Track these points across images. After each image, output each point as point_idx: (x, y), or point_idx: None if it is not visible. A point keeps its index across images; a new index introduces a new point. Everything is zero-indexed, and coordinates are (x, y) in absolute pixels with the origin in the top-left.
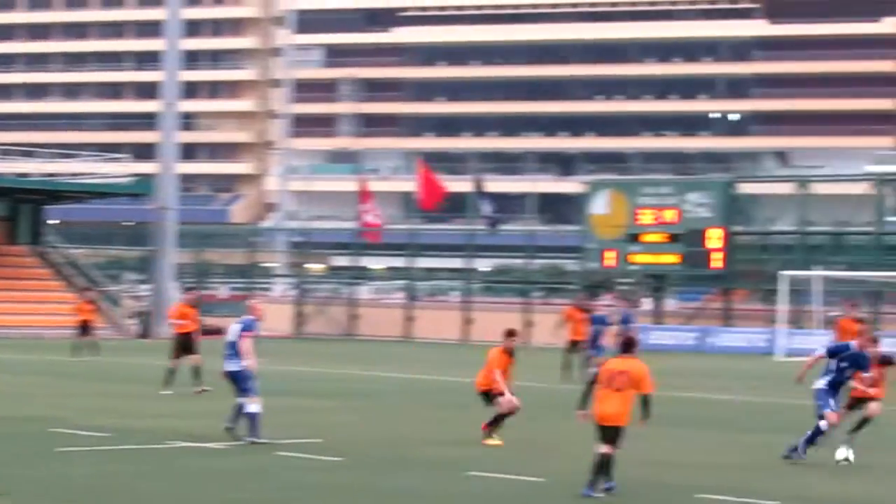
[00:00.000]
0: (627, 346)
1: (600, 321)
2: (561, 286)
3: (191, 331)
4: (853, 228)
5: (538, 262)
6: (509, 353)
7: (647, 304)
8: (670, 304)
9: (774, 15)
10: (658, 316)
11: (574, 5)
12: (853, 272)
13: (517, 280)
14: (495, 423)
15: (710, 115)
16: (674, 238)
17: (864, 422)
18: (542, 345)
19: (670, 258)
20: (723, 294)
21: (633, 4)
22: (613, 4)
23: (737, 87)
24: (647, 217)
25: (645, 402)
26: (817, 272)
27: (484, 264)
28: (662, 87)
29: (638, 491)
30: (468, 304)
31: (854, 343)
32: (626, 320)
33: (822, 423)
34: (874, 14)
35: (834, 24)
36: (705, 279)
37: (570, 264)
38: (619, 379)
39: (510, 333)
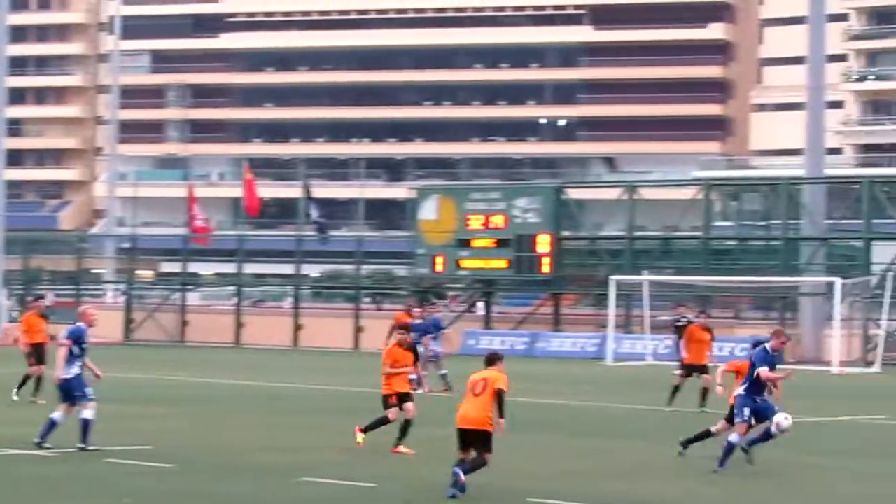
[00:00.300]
0: (491, 360)
1: (420, 329)
2: (391, 292)
3: (42, 342)
4: (681, 233)
5: (368, 268)
6: (404, 347)
7: (478, 309)
8: (502, 309)
9: (600, 21)
10: (488, 321)
11: (402, 11)
12: (681, 276)
13: (347, 286)
14: (403, 432)
15: (539, 121)
16: (503, 243)
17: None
18: (372, 350)
19: (499, 263)
20: (552, 299)
21: (461, 10)
22: (441, 10)
23: (564, 93)
24: (476, 222)
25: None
26: (646, 277)
27: (314, 270)
28: (491, 93)
29: (470, 495)
30: (298, 310)
31: (770, 343)
32: (436, 326)
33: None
34: (701, 20)
35: (660, 31)
36: (535, 284)
37: (399, 270)
38: (478, 385)
39: (403, 327)
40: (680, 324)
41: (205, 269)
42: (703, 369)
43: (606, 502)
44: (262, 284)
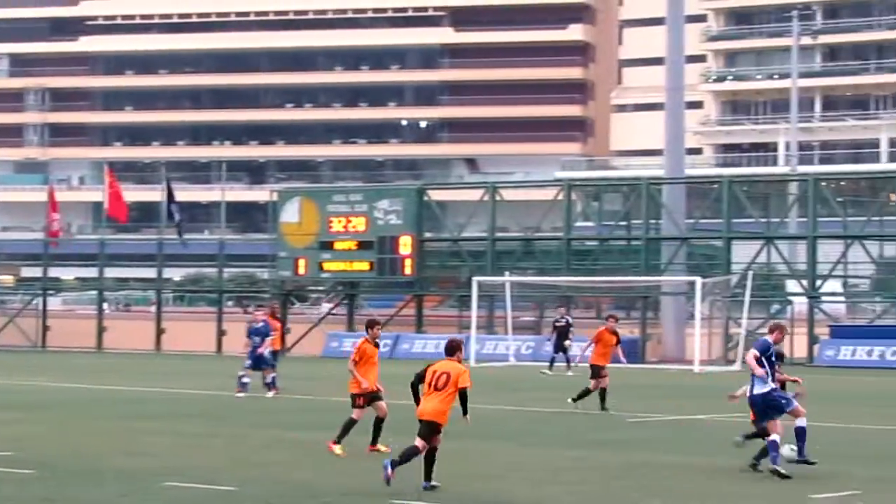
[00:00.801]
0: (451, 349)
1: (257, 333)
2: (253, 294)
3: None
4: (542, 234)
5: (230, 271)
6: (373, 344)
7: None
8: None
9: (460, 23)
10: (351, 323)
11: (262, 14)
12: (543, 277)
13: (209, 289)
14: (376, 431)
15: (400, 123)
16: (365, 245)
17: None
18: (235, 353)
19: (362, 265)
20: (415, 300)
21: (321, 13)
22: (301, 13)
23: (425, 95)
24: (338, 225)
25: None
26: (508, 278)
27: (176, 273)
28: (352, 95)
29: (331, 500)
30: (160, 314)
31: (771, 338)
32: (256, 331)
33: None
34: (560, 22)
35: (520, 32)
36: (397, 286)
37: (262, 273)
38: (440, 379)
39: (371, 324)
40: (560, 323)
41: (66, 273)
42: (602, 371)
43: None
44: (124, 288)
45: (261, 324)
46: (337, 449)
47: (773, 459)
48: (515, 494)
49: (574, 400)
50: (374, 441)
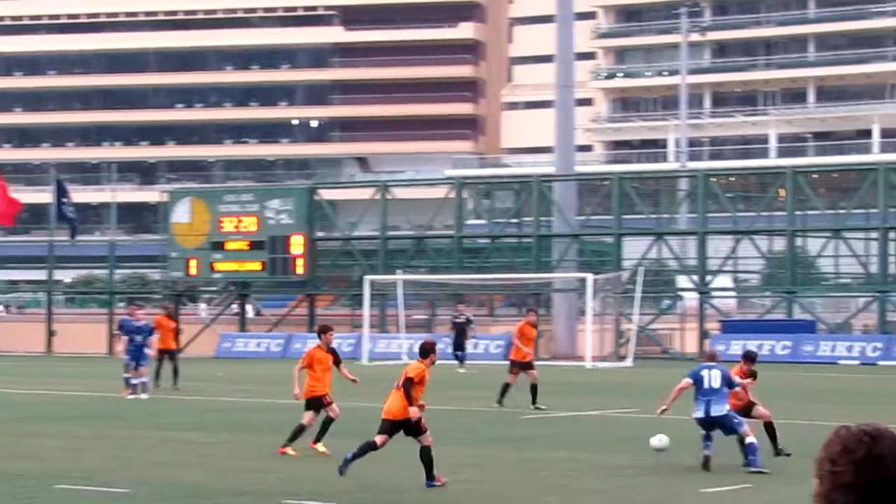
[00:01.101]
0: (424, 351)
1: (139, 331)
2: (145, 295)
3: None
4: (434, 232)
5: (121, 272)
6: (325, 349)
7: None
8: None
9: (351, 22)
10: (243, 323)
11: (151, 14)
12: (435, 275)
13: (100, 291)
14: (322, 431)
15: (291, 122)
16: (256, 245)
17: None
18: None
19: (254, 265)
20: (307, 300)
21: (211, 13)
22: (191, 13)
23: (316, 94)
24: (229, 225)
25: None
26: (400, 276)
27: (66, 275)
28: (242, 95)
29: (224, 499)
30: (51, 316)
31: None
32: (139, 330)
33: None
34: (450, 20)
35: (411, 31)
36: (289, 285)
37: (153, 274)
38: (399, 378)
39: (323, 329)
40: (459, 321)
41: None
42: (529, 366)
43: (361, 501)
44: (14, 291)
45: (142, 322)
46: (321, 448)
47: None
48: (410, 492)
49: (499, 402)
50: (318, 440)
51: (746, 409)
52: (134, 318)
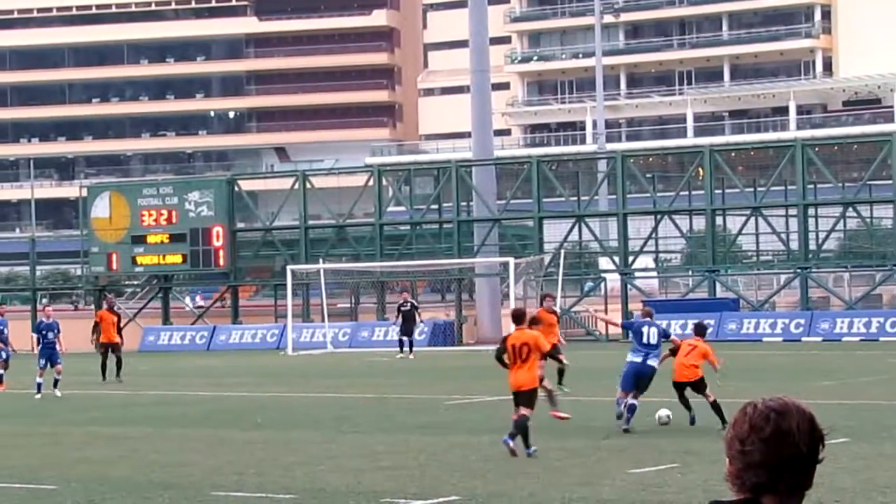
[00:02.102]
0: (518, 318)
1: (50, 328)
2: (67, 291)
3: None
4: (355, 220)
5: (43, 269)
6: None
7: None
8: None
9: (264, 12)
10: (167, 317)
11: (65, 9)
12: (357, 263)
13: (22, 288)
14: None
15: (208, 114)
16: (177, 238)
17: None
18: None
19: (175, 258)
20: (230, 291)
21: (125, 6)
22: (104, 7)
23: (232, 85)
24: (149, 218)
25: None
26: (322, 265)
27: None
28: (159, 88)
29: (153, 493)
30: None
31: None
32: (49, 328)
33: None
34: (364, 8)
35: (325, 20)
36: (211, 277)
37: (75, 269)
38: (522, 351)
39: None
40: (405, 308)
41: None
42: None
43: (290, 493)
44: None
45: (52, 320)
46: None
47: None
48: (331, 482)
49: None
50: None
51: (699, 384)
52: (44, 315)
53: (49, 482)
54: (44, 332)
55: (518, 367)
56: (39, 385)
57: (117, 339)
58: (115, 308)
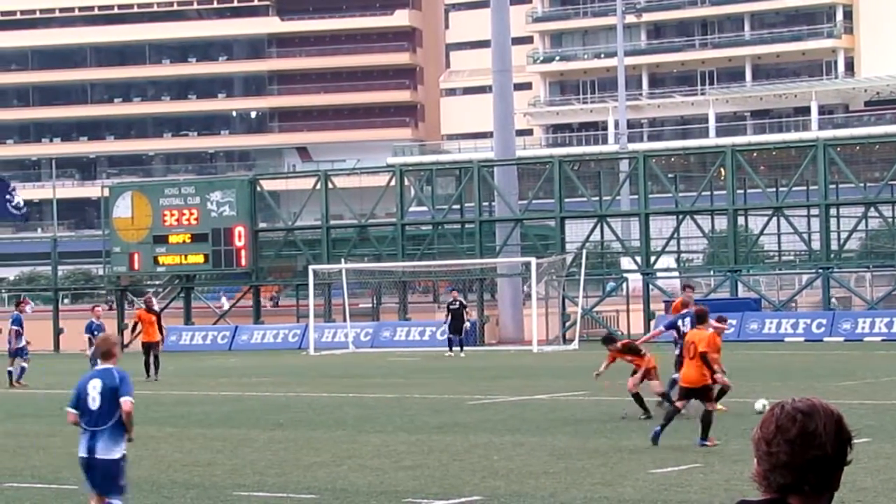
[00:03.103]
0: (701, 317)
1: (98, 328)
2: (89, 291)
3: None
4: (377, 220)
5: (65, 269)
6: None
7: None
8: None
9: (286, 12)
10: (188, 316)
11: (87, 9)
12: (379, 263)
13: (44, 288)
14: None
15: (230, 114)
16: (199, 238)
17: None
18: (73, 351)
19: (197, 258)
20: (252, 291)
21: (146, 6)
22: (126, 7)
23: (254, 85)
24: (171, 218)
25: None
26: (343, 265)
27: (10, 273)
28: (181, 88)
29: (167, 493)
30: None
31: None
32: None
33: None
34: (386, 8)
35: (347, 19)
36: (234, 277)
37: (97, 269)
38: (691, 349)
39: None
40: (454, 307)
41: None
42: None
43: (311, 493)
44: None
45: (100, 320)
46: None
47: None
48: (352, 482)
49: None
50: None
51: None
52: (94, 315)
53: (71, 482)
54: (95, 333)
55: (687, 364)
56: (10, 371)
57: (156, 338)
58: (154, 307)
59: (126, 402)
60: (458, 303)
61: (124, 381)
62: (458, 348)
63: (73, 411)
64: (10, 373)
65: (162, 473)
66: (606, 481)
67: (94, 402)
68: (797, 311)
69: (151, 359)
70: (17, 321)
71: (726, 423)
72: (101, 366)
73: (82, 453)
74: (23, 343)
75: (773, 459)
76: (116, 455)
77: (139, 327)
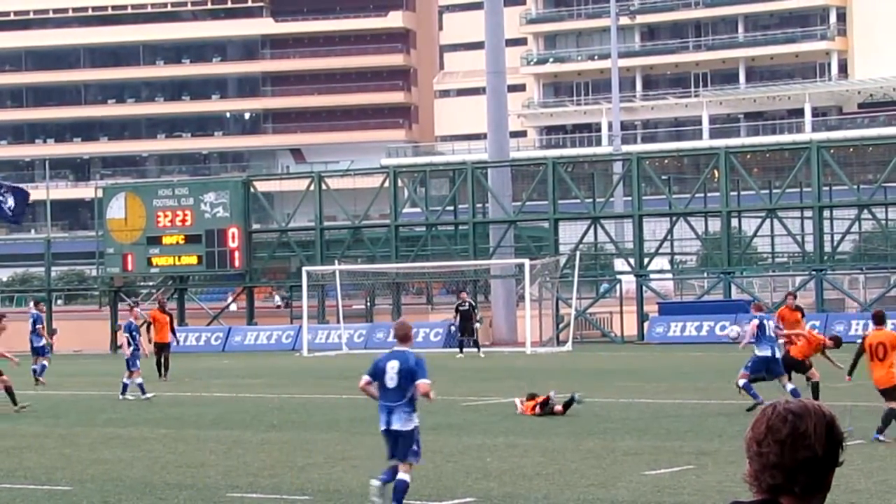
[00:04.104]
0: (879, 319)
1: (137, 329)
2: (83, 293)
3: None
4: (370, 221)
5: (58, 270)
6: None
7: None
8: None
9: (279, 13)
10: (182, 317)
11: (80, 10)
12: (373, 265)
13: (38, 289)
14: None
15: (224, 115)
16: (193, 239)
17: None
18: (66, 352)
19: (190, 259)
20: (245, 292)
21: (140, 7)
22: (120, 8)
23: (248, 86)
24: (164, 219)
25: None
26: (337, 266)
27: (3, 274)
28: (174, 89)
29: (168, 494)
30: None
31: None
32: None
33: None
34: (380, 9)
35: (341, 21)
36: (227, 279)
37: (91, 270)
38: (879, 350)
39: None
40: (463, 308)
41: None
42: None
43: (305, 494)
44: None
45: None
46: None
47: None
48: (346, 483)
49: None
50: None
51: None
52: (133, 316)
53: (64, 483)
54: (133, 334)
55: (876, 366)
56: (141, 386)
57: (168, 339)
58: (167, 308)
59: (423, 384)
60: (467, 304)
61: (420, 364)
62: (475, 349)
63: (368, 378)
64: (34, 370)
65: (155, 474)
66: (600, 483)
67: (391, 381)
68: None
69: (162, 359)
70: (38, 320)
71: (719, 424)
72: (398, 348)
73: (382, 426)
74: (42, 342)
75: (763, 460)
76: (410, 427)
77: (152, 328)
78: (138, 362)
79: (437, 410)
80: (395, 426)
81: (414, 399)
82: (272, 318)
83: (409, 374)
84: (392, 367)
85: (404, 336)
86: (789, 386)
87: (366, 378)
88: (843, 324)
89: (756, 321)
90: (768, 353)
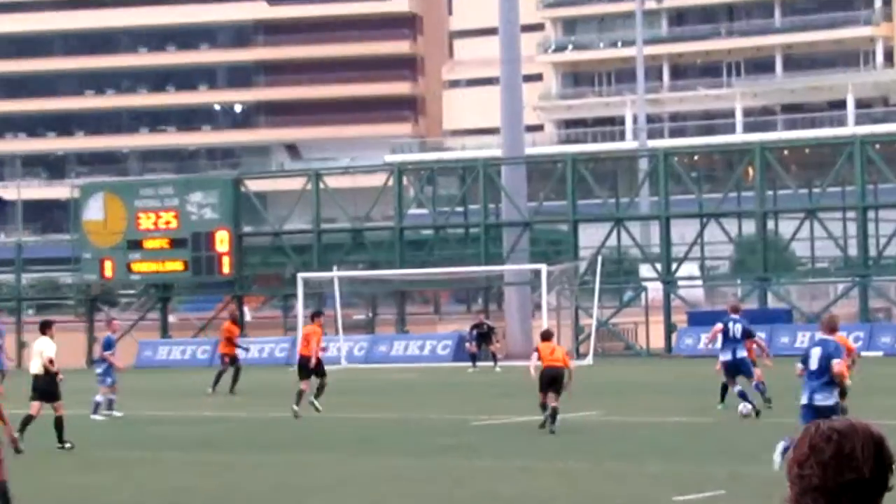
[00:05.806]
0: None
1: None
2: (57, 301)
3: None
4: (373, 224)
5: (29, 276)
6: None
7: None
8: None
9: None
10: (165, 329)
11: None
12: (375, 271)
13: (7, 297)
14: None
15: (213, 107)
16: (178, 243)
17: None
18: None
19: (175, 265)
20: (235, 302)
21: None
22: None
23: (239, 76)
24: (147, 221)
25: None
26: (336, 273)
27: None
28: (158, 79)
29: None
30: None
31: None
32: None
33: None
34: None
35: (341, 4)
36: (215, 286)
37: (65, 277)
38: None
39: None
40: (482, 331)
41: None
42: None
43: None
44: None
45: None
46: None
47: None
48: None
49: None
50: None
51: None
52: (111, 329)
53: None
54: (111, 349)
55: None
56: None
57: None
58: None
59: (837, 364)
60: (485, 326)
61: (838, 349)
62: (492, 363)
63: (802, 367)
64: None
65: (137, 501)
66: None
67: (814, 363)
68: None
69: (232, 372)
70: None
71: (754, 446)
72: (821, 336)
73: (804, 401)
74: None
75: (804, 483)
76: (831, 402)
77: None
78: (114, 377)
79: (445, 431)
80: (817, 402)
81: (832, 380)
82: (264, 331)
83: (827, 359)
84: (815, 353)
85: (833, 327)
86: (738, 388)
87: (799, 367)
88: (890, 335)
89: (720, 325)
90: (729, 357)
